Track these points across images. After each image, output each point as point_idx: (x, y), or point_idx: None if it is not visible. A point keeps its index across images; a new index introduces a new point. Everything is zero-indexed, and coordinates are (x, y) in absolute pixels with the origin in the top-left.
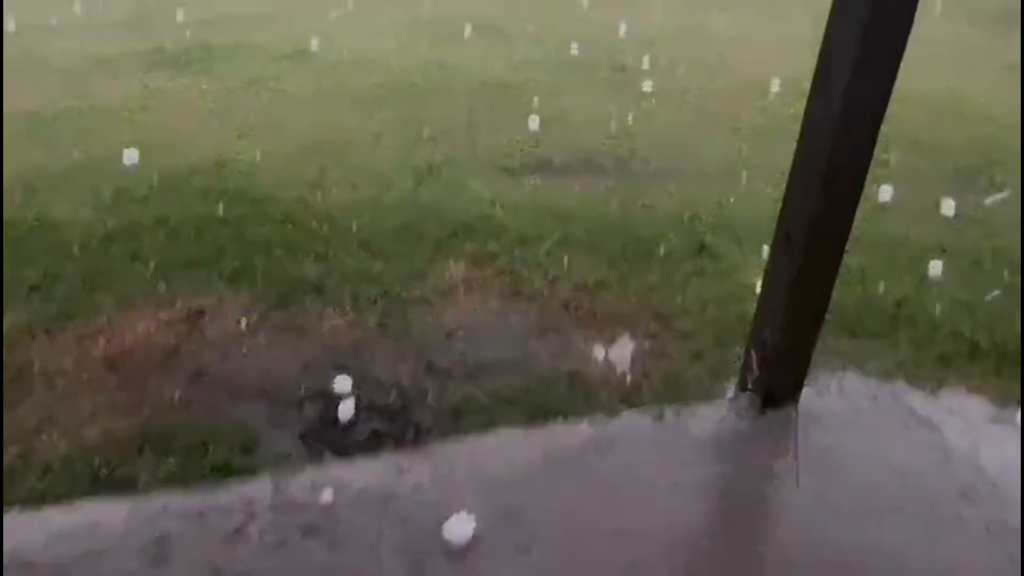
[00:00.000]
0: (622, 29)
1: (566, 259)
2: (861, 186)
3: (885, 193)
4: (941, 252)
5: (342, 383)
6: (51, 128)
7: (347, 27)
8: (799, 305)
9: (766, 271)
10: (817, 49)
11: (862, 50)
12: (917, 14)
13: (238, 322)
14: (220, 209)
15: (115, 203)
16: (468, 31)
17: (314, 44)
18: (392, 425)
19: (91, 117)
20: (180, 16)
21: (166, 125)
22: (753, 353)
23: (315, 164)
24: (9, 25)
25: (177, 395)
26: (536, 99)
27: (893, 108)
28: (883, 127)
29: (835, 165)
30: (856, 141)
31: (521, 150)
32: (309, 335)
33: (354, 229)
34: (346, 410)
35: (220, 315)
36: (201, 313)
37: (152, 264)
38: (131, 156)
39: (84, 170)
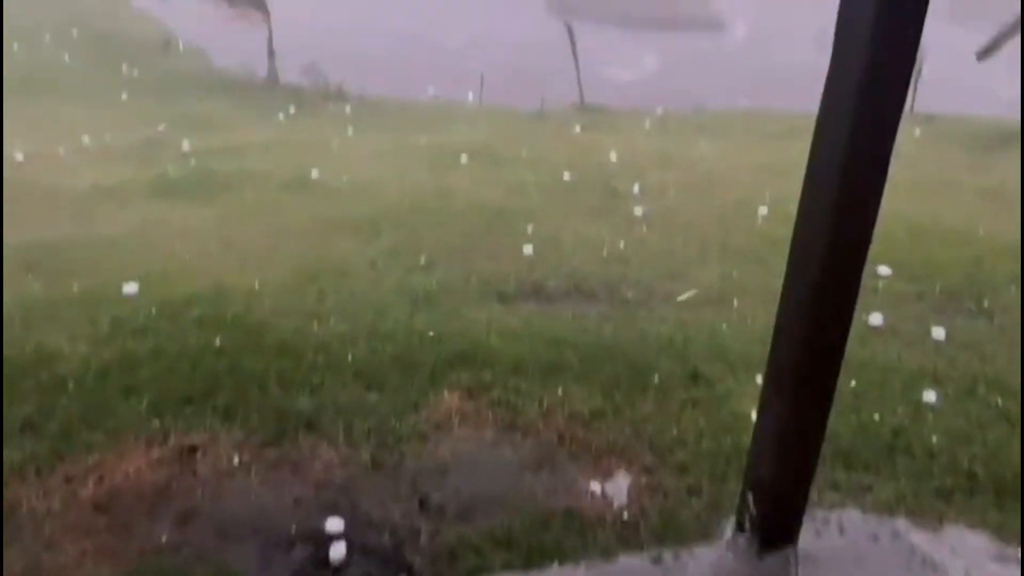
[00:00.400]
0: (613, 155)
1: (560, 388)
2: (851, 315)
3: (875, 316)
4: (934, 380)
5: (334, 523)
6: (53, 258)
7: (347, 155)
8: (793, 443)
9: (759, 407)
10: (800, 174)
11: (845, 177)
12: (899, 137)
13: (230, 459)
14: (217, 340)
15: (112, 335)
16: (464, 158)
17: (314, 172)
18: (385, 568)
19: (93, 247)
20: (185, 145)
21: (166, 254)
22: (749, 493)
23: (313, 292)
24: (17, 155)
25: (166, 537)
26: (530, 225)
27: (878, 230)
28: (871, 249)
29: (823, 294)
30: (844, 267)
31: (516, 276)
32: (301, 472)
33: (350, 359)
34: (337, 552)
35: (212, 452)
36: (193, 450)
37: (146, 399)
38: (130, 287)
39: (83, 301)
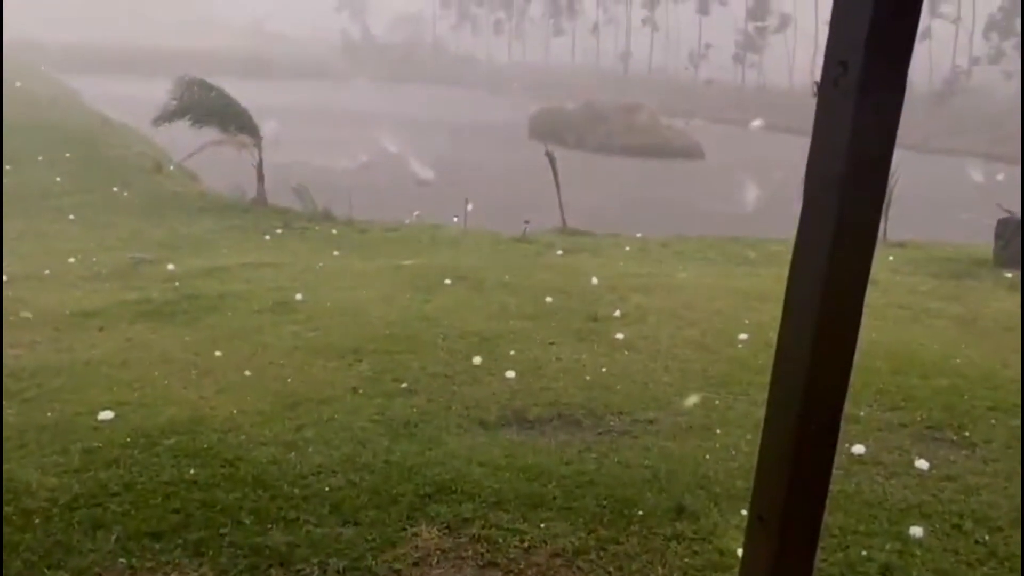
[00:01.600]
0: (594, 279)
1: (543, 523)
2: (834, 448)
3: (858, 447)
4: (920, 514)
5: None
6: (30, 384)
7: (332, 277)
8: None
9: (744, 545)
10: (778, 300)
11: (824, 306)
12: (872, 264)
13: None
14: (191, 471)
15: (83, 466)
16: (448, 281)
17: (298, 295)
18: None
19: (71, 373)
20: (171, 267)
21: (145, 380)
22: None
23: (291, 421)
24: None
25: None
26: (512, 350)
27: (857, 360)
28: (850, 380)
29: (806, 429)
30: (825, 400)
31: (498, 403)
32: None
33: (327, 490)
34: None
35: None
36: None
37: (114, 534)
38: (106, 414)
39: (56, 430)
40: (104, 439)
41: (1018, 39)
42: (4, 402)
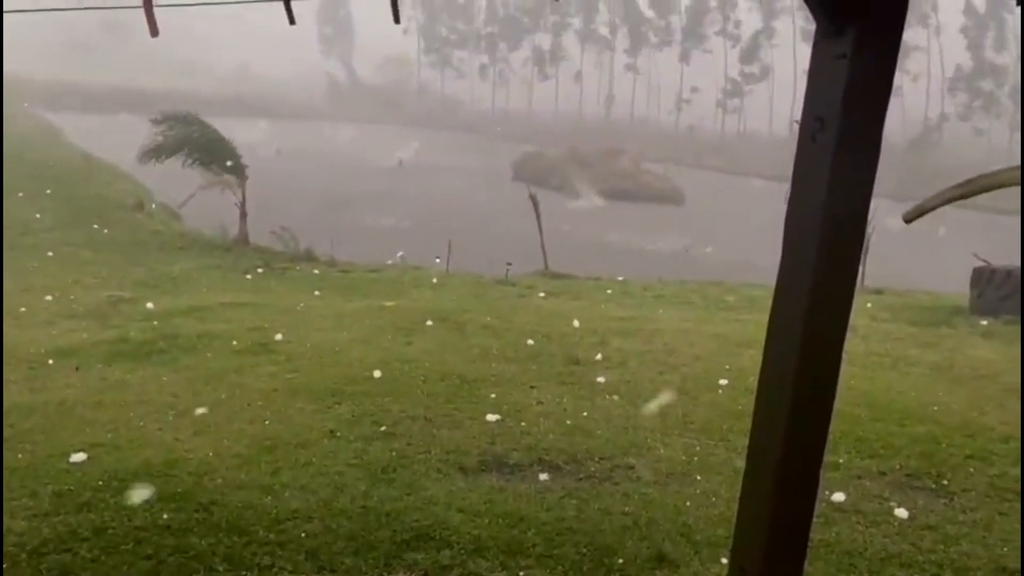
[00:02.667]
0: (576, 322)
1: (522, 572)
2: (814, 502)
3: (838, 495)
4: (900, 564)
5: None
6: (3, 425)
7: (312, 318)
8: None
9: None
10: (757, 346)
11: (803, 355)
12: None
13: None
14: (164, 515)
15: (53, 510)
16: (429, 322)
17: (278, 335)
18: None
19: (44, 413)
20: (150, 305)
21: (120, 421)
22: None
23: (268, 464)
24: None
25: None
26: (493, 393)
27: (837, 407)
28: (830, 426)
29: (785, 485)
30: (805, 451)
31: (477, 447)
32: None
33: (303, 536)
34: None
35: None
36: None
37: None
38: (78, 456)
39: (27, 473)
40: (76, 482)
41: (984, 99)
42: None
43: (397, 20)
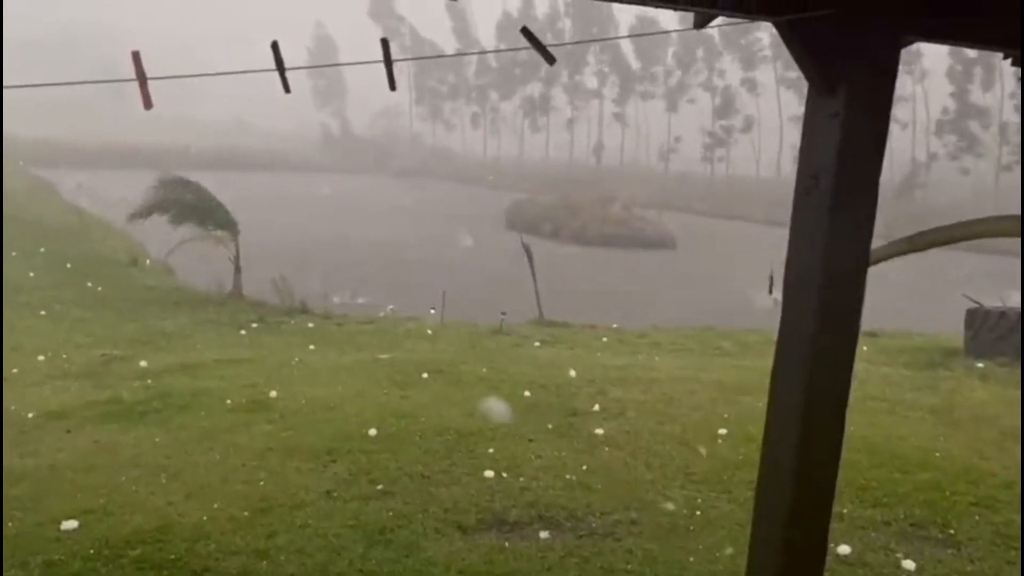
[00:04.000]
0: (572, 372)
1: None
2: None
3: (843, 547)
4: None
5: None
6: None
7: (307, 373)
8: None
9: None
10: (755, 392)
11: (806, 415)
12: None
13: None
14: None
15: None
16: (425, 375)
17: (273, 392)
18: None
19: (34, 479)
20: (143, 364)
21: (112, 486)
22: None
23: (263, 527)
24: None
25: None
26: (491, 448)
27: None
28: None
29: (793, 546)
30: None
31: (476, 504)
32: None
33: None
34: None
35: None
36: None
37: None
38: (70, 523)
39: (17, 541)
40: (66, 551)
41: (969, 141)
42: None
43: (392, 87)
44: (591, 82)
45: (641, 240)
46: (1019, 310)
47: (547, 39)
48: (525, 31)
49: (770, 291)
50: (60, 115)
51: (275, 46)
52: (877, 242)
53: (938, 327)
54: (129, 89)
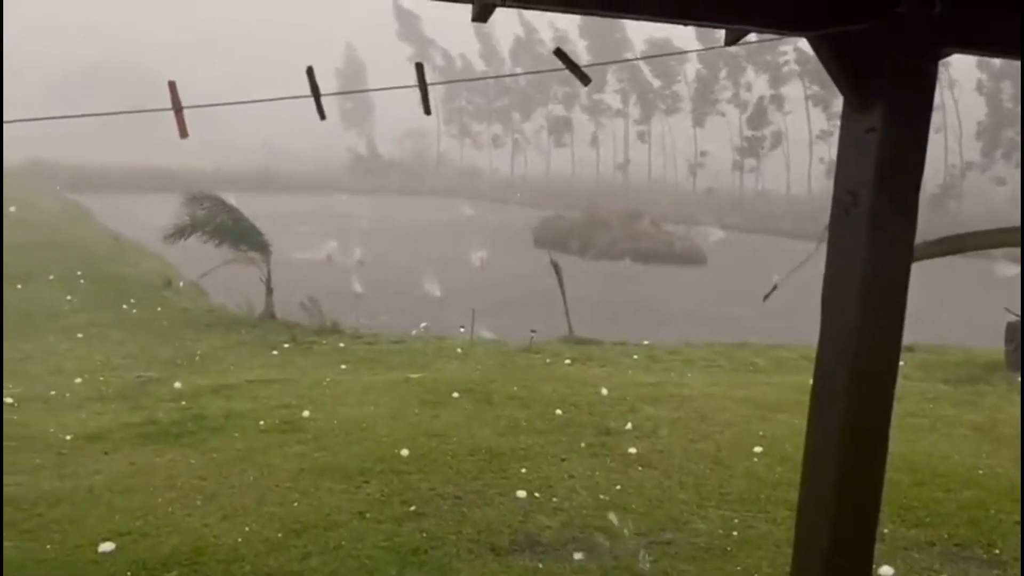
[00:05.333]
0: (604, 389)
1: None
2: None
3: (886, 568)
4: None
5: None
6: (31, 514)
7: (339, 393)
8: None
9: None
10: (790, 409)
11: (848, 430)
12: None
13: None
14: None
15: None
16: (455, 394)
17: (305, 412)
18: None
19: (72, 501)
20: (178, 384)
21: (148, 507)
22: None
23: (297, 549)
24: (7, 398)
25: None
26: (523, 467)
27: None
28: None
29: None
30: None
31: (509, 525)
32: None
33: None
34: None
35: None
36: None
37: None
38: (106, 545)
39: (55, 564)
40: (104, 573)
41: (1004, 149)
42: (4, 533)
43: (428, 111)
44: (612, 100)
45: (670, 255)
46: None
47: (550, 77)
48: (559, 52)
49: (765, 298)
50: (94, 142)
51: (310, 72)
52: None
53: (975, 340)
54: (158, 115)
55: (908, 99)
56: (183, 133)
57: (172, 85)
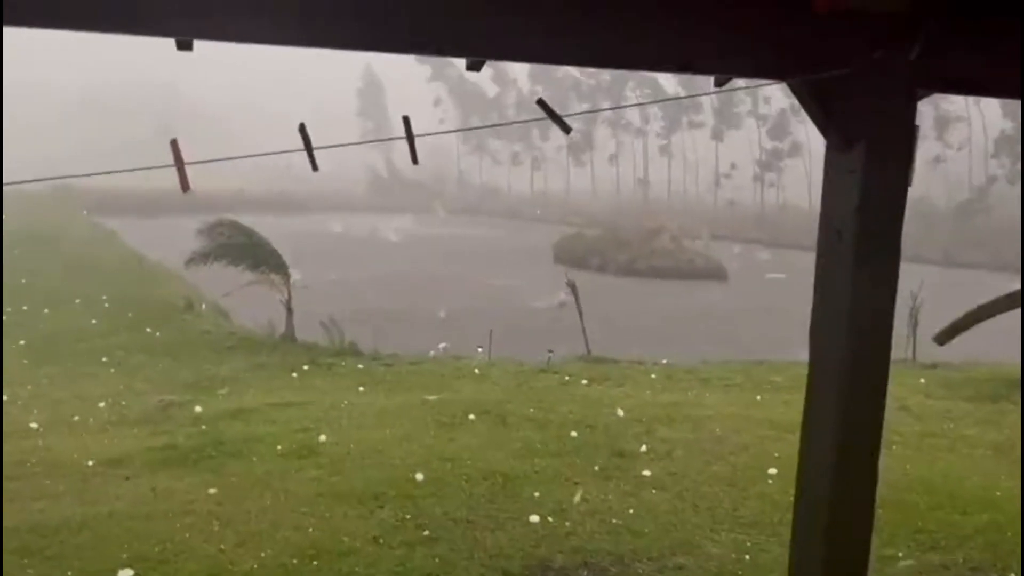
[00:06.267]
0: (620, 411)
1: None
2: None
3: None
4: None
5: None
6: (51, 541)
7: (356, 416)
8: None
9: None
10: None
11: (837, 462)
12: (903, 388)
13: None
14: None
15: None
16: (471, 416)
17: (322, 436)
18: None
19: (93, 527)
20: (198, 408)
21: (167, 533)
22: None
23: (312, 574)
24: (32, 423)
25: None
26: (536, 491)
27: (894, 495)
28: (887, 516)
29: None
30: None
31: (521, 550)
32: None
33: None
34: None
35: None
36: None
37: None
38: (125, 573)
39: None
40: None
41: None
42: (26, 560)
43: (415, 161)
44: (632, 116)
45: (691, 271)
46: None
47: (571, 95)
48: (541, 103)
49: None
50: (118, 165)
51: (303, 128)
52: (934, 269)
53: (1008, 355)
54: (182, 137)
55: (888, 140)
56: (185, 187)
57: (174, 143)
